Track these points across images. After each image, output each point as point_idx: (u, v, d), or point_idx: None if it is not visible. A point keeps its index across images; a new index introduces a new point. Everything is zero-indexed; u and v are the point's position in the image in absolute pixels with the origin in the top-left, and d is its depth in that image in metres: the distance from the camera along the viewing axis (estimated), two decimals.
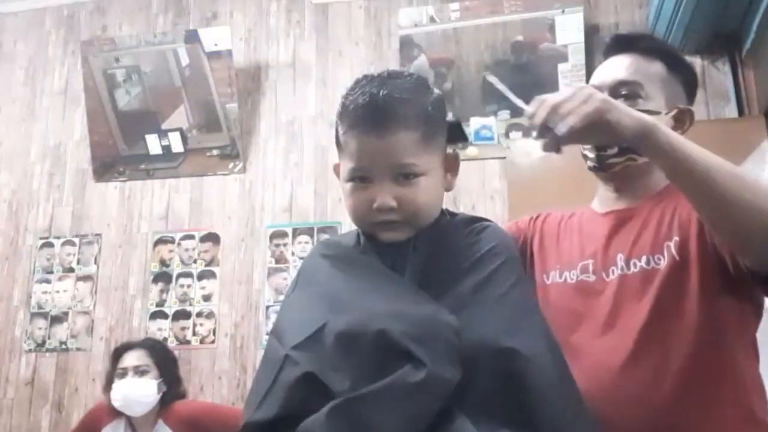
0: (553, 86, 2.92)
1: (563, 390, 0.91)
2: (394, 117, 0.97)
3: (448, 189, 1.09)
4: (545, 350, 0.91)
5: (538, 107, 1.00)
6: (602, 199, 1.27)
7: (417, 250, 1.02)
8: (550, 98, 1.00)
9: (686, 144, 0.98)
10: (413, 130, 0.99)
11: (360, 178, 1.02)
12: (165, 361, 2.49)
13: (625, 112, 0.99)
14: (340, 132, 1.03)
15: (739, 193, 0.94)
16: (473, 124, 3.07)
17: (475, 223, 1.08)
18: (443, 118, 1.06)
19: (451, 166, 1.09)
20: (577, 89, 1.00)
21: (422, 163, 1.00)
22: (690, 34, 2.73)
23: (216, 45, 3.33)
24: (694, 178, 0.97)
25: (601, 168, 1.21)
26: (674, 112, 1.21)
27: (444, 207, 1.10)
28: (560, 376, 0.92)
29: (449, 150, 1.09)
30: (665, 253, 1.10)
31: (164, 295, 3.26)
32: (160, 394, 2.41)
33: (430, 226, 1.05)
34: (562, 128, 0.98)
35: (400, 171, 1.00)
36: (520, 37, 3.11)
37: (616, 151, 1.17)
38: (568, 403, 0.91)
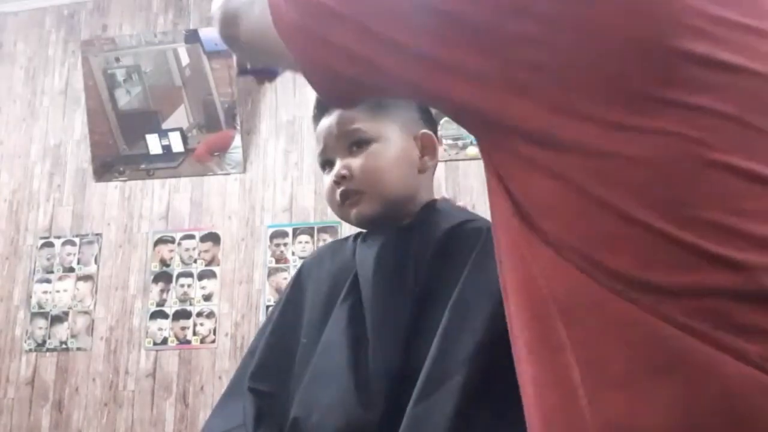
0: None
1: None
2: None
3: (422, 170, 1.07)
4: None
5: None
6: None
7: (407, 244, 1.00)
8: None
9: None
10: None
11: (327, 163, 1.07)
12: None
13: None
14: None
15: None
16: None
17: (466, 220, 1.04)
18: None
19: (426, 146, 1.08)
20: None
21: (370, 130, 1.03)
22: None
23: (216, 45, 3.32)
24: None
25: None
26: None
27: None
28: None
29: (423, 130, 1.09)
30: None
31: (164, 295, 3.26)
32: None
33: (418, 214, 1.04)
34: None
35: (349, 140, 1.04)
36: None
37: None
38: None
